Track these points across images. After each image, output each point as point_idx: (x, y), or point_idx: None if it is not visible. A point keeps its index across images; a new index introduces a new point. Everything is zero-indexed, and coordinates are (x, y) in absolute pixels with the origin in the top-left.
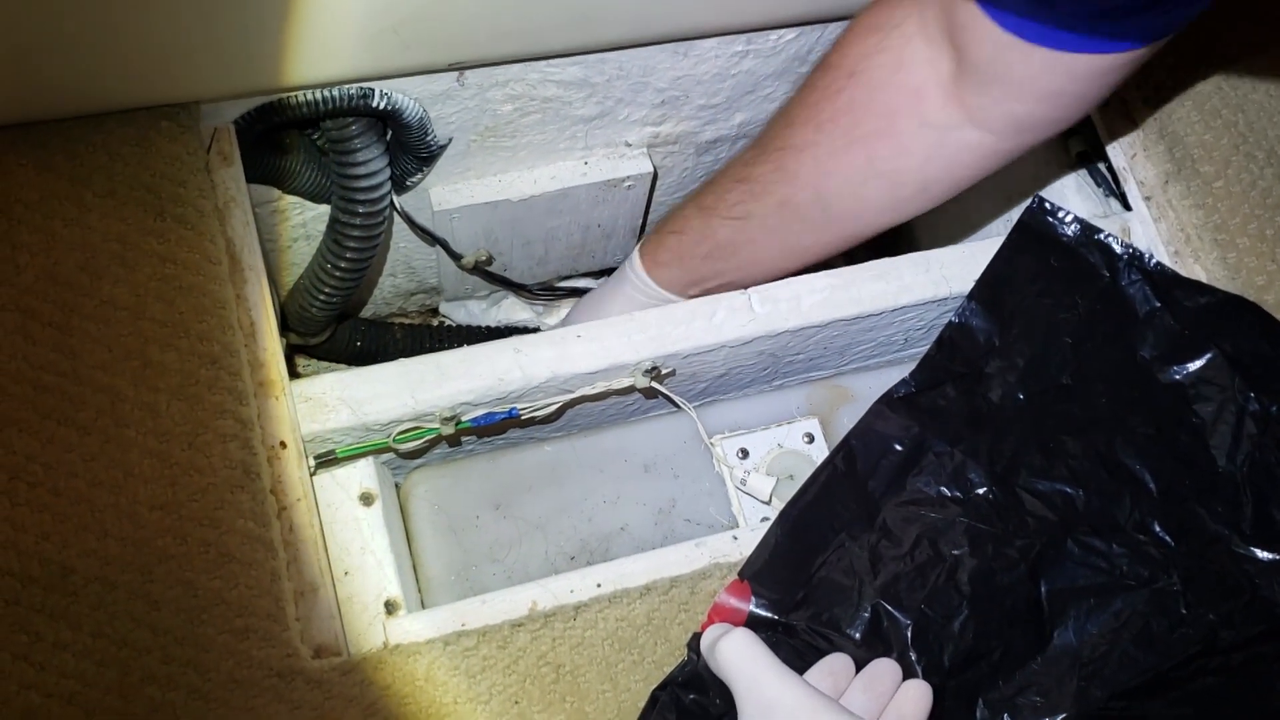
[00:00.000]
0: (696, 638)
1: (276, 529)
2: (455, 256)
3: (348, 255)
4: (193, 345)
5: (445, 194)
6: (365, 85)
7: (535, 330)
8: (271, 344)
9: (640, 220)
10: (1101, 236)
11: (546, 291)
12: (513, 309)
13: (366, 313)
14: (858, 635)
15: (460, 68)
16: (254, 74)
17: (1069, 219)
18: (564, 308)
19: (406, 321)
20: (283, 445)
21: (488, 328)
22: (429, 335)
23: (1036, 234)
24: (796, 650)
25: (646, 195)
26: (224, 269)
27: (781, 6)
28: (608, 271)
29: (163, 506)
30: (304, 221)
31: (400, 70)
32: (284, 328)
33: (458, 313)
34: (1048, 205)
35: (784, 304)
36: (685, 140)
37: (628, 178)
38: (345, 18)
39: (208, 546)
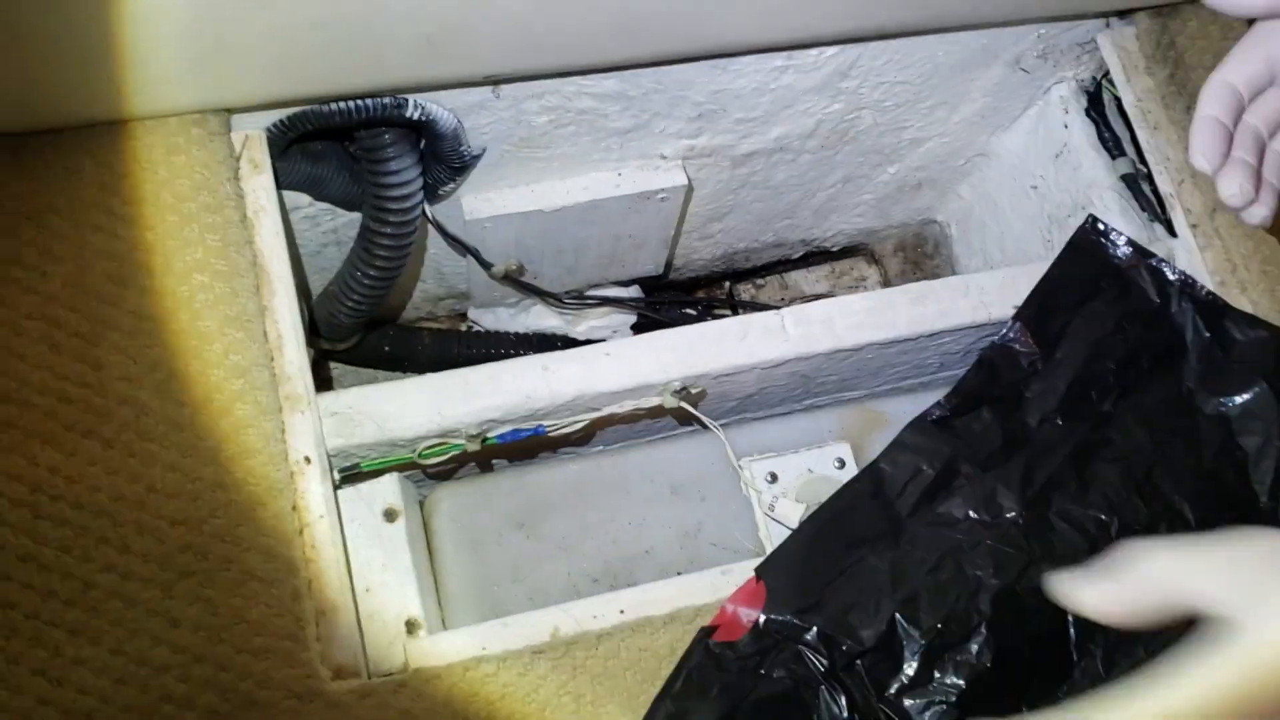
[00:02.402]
0: (706, 632)
1: (298, 547)
2: (485, 265)
3: (377, 263)
4: (219, 358)
5: (477, 203)
6: (399, 95)
7: (564, 337)
8: (299, 357)
9: (672, 231)
10: (1154, 261)
11: (576, 300)
12: (542, 315)
13: (395, 317)
14: (871, 644)
15: (496, 81)
16: (286, 83)
17: (1121, 240)
18: (593, 316)
19: (435, 326)
20: (307, 460)
21: (516, 334)
22: (457, 340)
23: (1087, 254)
24: (796, 672)
25: (680, 207)
26: (252, 280)
27: (823, 24)
28: (638, 281)
29: (185, 522)
30: (335, 228)
31: (434, 82)
32: (313, 333)
33: (486, 318)
34: (1100, 225)
35: (818, 326)
36: (721, 153)
37: (661, 190)
38: (378, 28)
39: (229, 564)
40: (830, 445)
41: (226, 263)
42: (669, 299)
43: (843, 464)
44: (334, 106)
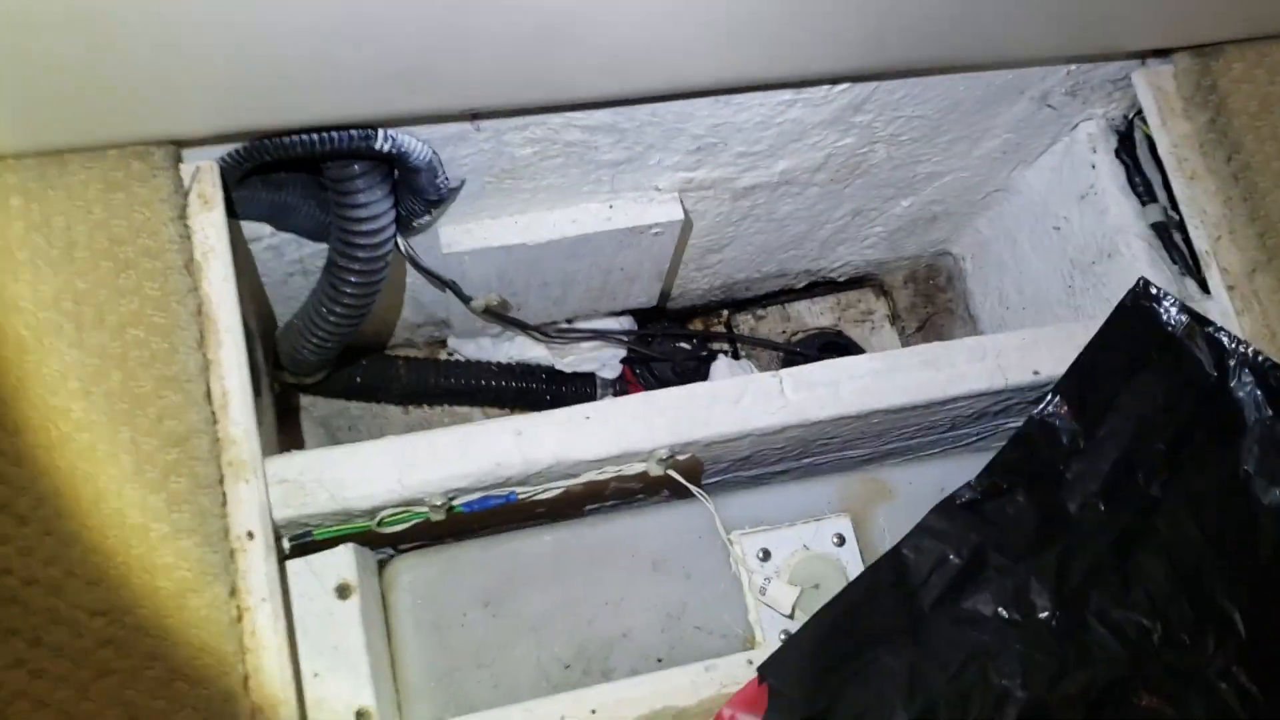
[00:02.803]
0: None
1: (235, 637)
2: (465, 299)
3: (344, 300)
4: (153, 424)
5: (456, 234)
6: (368, 127)
7: (549, 368)
8: (246, 418)
9: (667, 265)
10: (1211, 329)
11: (563, 333)
12: (526, 345)
13: (369, 344)
14: None
15: (476, 115)
16: (241, 115)
17: (1174, 306)
18: (581, 348)
19: (412, 354)
20: (250, 536)
21: (498, 364)
22: (434, 370)
23: (1137, 319)
24: None
25: (676, 241)
26: (195, 333)
27: (836, 62)
28: (630, 313)
29: (106, 613)
30: (300, 258)
31: (407, 116)
32: (276, 365)
33: (467, 347)
34: (1152, 289)
35: (820, 390)
36: (721, 186)
37: (655, 225)
38: (342, 63)
39: (154, 661)
40: (829, 518)
41: (166, 315)
42: (661, 331)
43: (842, 540)
44: (295, 138)
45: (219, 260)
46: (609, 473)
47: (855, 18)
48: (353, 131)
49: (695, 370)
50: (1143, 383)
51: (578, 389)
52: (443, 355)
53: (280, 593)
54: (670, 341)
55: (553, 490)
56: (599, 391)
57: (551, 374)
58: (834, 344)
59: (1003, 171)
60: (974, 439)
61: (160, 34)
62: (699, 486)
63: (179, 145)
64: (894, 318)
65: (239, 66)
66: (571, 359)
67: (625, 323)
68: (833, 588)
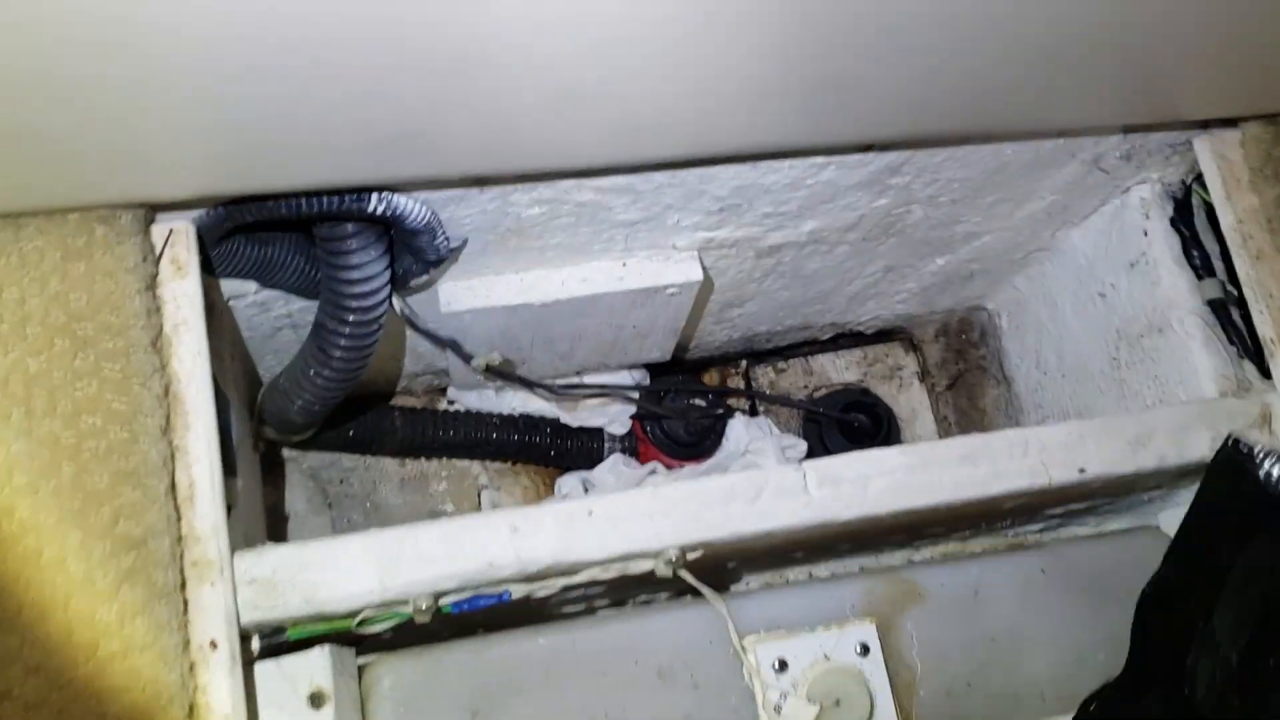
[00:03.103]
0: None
1: None
2: (465, 358)
3: (333, 364)
4: (105, 528)
5: (456, 292)
6: (361, 190)
7: (554, 421)
8: (214, 512)
9: (682, 322)
10: None
11: (570, 388)
12: (531, 396)
13: (363, 391)
14: None
15: (480, 181)
16: (219, 178)
17: (1274, 462)
18: (590, 404)
19: (410, 404)
20: (213, 645)
21: (500, 416)
22: (433, 423)
23: (1234, 481)
24: None
25: (693, 301)
26: (160, 419)
27: (873, 130)
28: (642, 367)
29: None
30: (289, 313)
31: (402, 182)
32: (260, 420)
33: (469, 397)
34: (1243, 446)
35: (846, 487)
36: (744, 245)
37: (671, 285)
38: (329, 126)
39: None
40: (852, 625)
41: (128, 400)
42: (675, 387)
43: (866, 650)
44: (280, 201)
45: (191, 334)
46: (613, 571)
47: (894, 86)
48: (344, 194)
49: (710, 429)
50: (1259, 554)
51: (584, 445)
52: (443, 405)
53: (244, 708)
54: (684, 398)
55: (550, 589)
56: (606, 448)
57: (557, 428)
58: (859, 403)
59: (1046, 232)
60: (1011, 534)
61: (127, 91)
62: (712, 586)
63: (151, 208)
64: (923, 374)
65: (217, 129)
66: (579, 413)
67: (637, 375)
68: (855, 705)
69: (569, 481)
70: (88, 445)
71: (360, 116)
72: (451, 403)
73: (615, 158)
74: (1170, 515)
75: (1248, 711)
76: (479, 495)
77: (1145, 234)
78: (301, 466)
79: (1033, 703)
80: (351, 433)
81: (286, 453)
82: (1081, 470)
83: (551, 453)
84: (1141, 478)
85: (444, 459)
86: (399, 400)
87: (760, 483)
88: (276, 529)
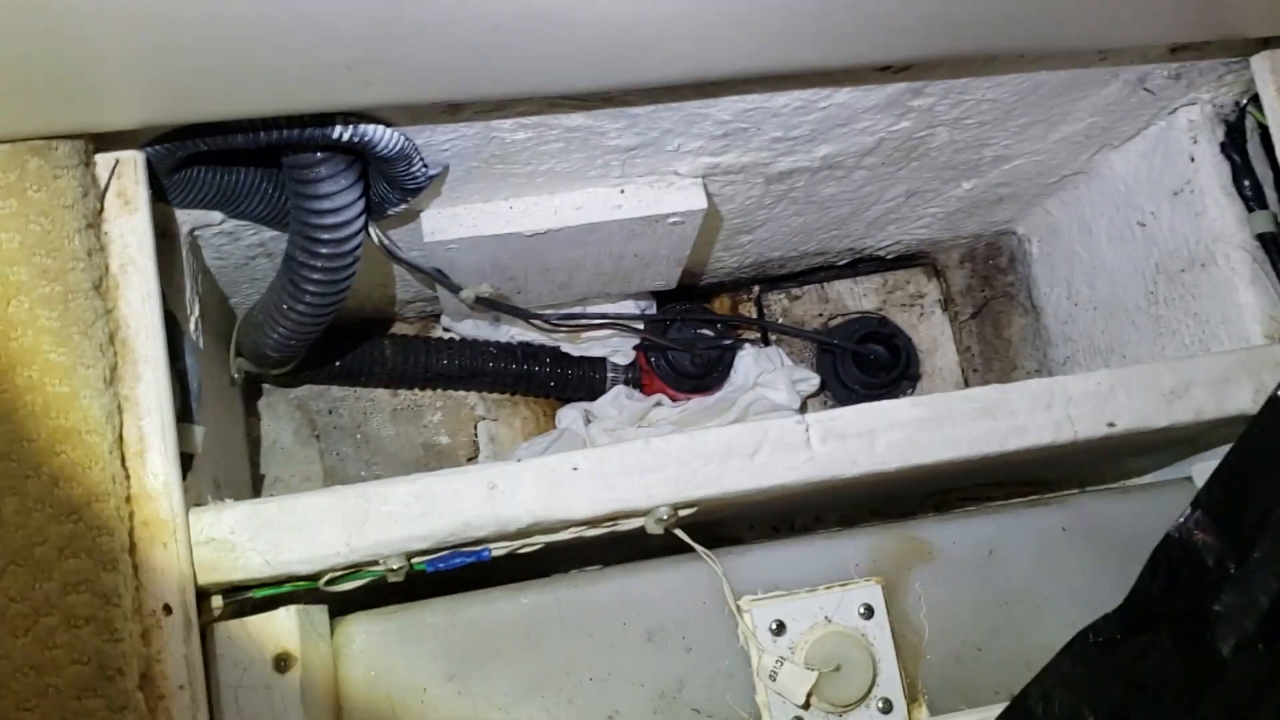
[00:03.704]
0: None
1: None
2: (453, 289)
3: (306, 299)
4: (43, 490)
5: (440, 221)
6: (325, 115)
7: (555, 350)
8: (165, 468)
9: (686, 251)
10: None
11: (568, 320)
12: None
13: (351, 319)
14: None
15: (454, 106)
16: (169, 104)
17: None
18: (592, 334)
19: (402, 332)
20: (166, 610)
21: (497, 344)
22: (425, 351)
23: None
24: None
25: (697, 230)
26: (104, 368)
27: (887, 49)
28: (648, 295)
29: None
30: (261, 241)
31: (363, 107)
32: (237, 353)
33: (464, 325)
34: None
35: (852, 442)
36: (753, 170)
37: (673, 214)
38: (278, 47)
39: None
40: (856, 585)
41: (66, 351)
42: (681, 315)
43: (870, 612)
44: (236, 132)
45: (140, 275)
46: (600, 530)
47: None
48: (306, 121)
49: (718, 360)
50: None
51: (586, 375)
52: (436, 332)
53: (202, 675)
54: (691, 327)
55: (532, 546)
56: (609, 379)
57: (557, 357)
58: (876, 334)
59: (1083, 155)
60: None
61: (57, 4)
62: (706, 541)
63: (93, 137)
64: (946, 302)
65: (160, 50)
66: (581, 342)
67: (643, 303)
68: (857, 671)
69: (569, 414)
70: (22, 402)
71: (307, 37)
72: (446, 330)
73: (597, 83)
74: (1204, 467)
75: (1275, 661)
76: (475, 427)
77: (1192, 160)
78: (288, 396)
79: None
80: (338, 363)
81: (271, 383)
82: (1110, 425)
83: (551, 383)
84: (1175, 431)
85: (439, 389)
86: (391, 328)
87: (759, 436)
88: (259, 464)
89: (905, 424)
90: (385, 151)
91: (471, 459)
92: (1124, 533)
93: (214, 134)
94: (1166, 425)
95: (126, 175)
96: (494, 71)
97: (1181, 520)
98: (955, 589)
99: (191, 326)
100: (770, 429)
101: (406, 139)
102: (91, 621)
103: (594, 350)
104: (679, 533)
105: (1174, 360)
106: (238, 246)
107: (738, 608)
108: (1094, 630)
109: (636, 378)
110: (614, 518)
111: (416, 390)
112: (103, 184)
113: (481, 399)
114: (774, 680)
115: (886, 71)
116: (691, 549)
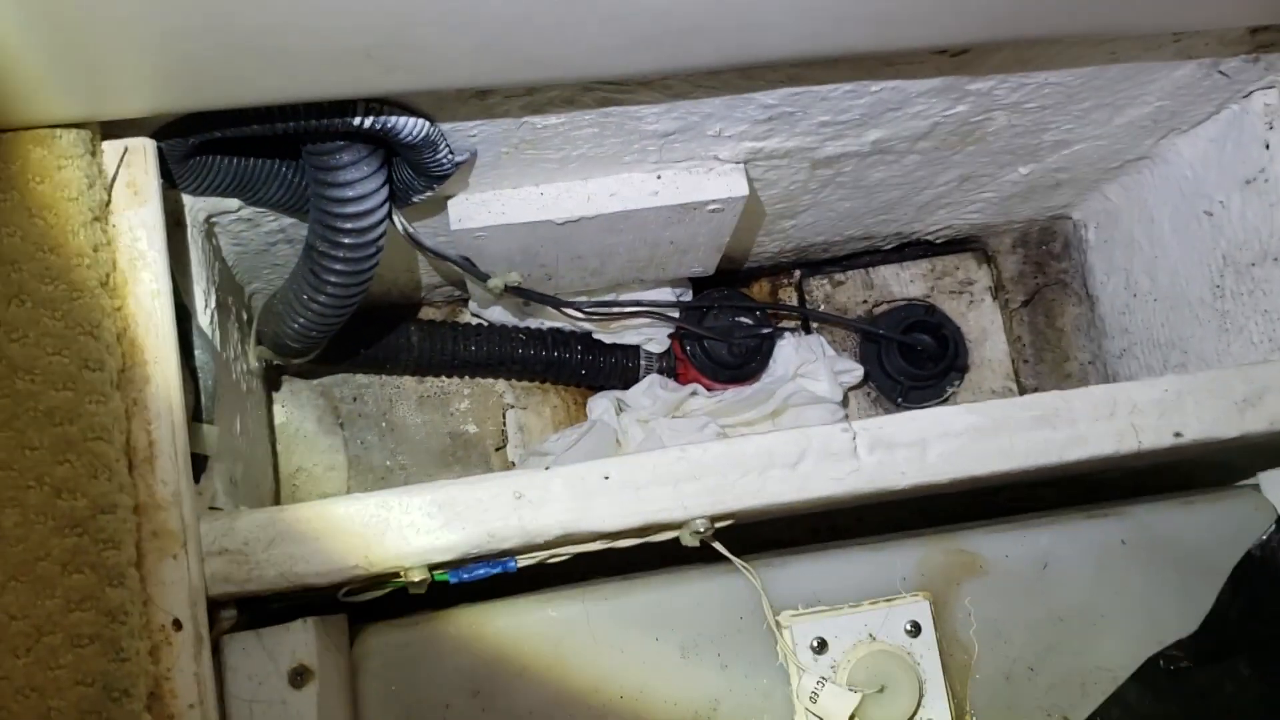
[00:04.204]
0: None
1: None
2: (481, 277)
3: (328, 289)
4: (45, 503)
5: (468, 209)
6: (345, 102)
7: (586, 336)
8: (175, 475)
9: (726, 238)
10: None
11: (601, 308)
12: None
13: (377, 303)
14: None
15: (481, 92)
16: (179, 92)
17: None
18: (625, 321)
19: (429, 316)
20: (176, 626)
21: (527, 330)
22: (453, 338)
23: None
24: None
25: (738, 216)
26: (111, 371)
27: (942, 31)
28: (685, 281)
29: None
30: (281, 227)
31: (386, 93)
32: (258, 341)
33: (492, 311)
34: None
35: (902, 452)
36: (798, 155)
37: (713, 201)
38: (292, 40)
39: None
40: (902, 600)
41: (70, 354)
42: (719, 302)
43: (917, 630)
44: (253, 120)
45: (149, 270)
46: (631, 540)
47: None
48: (326, 108)
49: (756, 349)
50: None
51: (619, 363)
52: (464, 317)
53: (214, 693)
54: (729, 314)
55: (561, 556)
56: (643, 367)
57: (589, 344)
58: (923, 323)
59: (1148, 140)
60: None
61: None
62: (743, 551)
63: (100, 125)
64: (997, 289)
65: (170, 36)
66: (614, 328)
67: (679, 289)
68: (902, 692)
69: (601, 403)
70: (24, 409)
71: (328, 21)
72: (475, 316)
73: (634, 67)
74: (1274, 476)
75: None
76: (504, 415)
77: (1267, 147)
78: (311, 384)
79: (1102, 690)
80: (363, 350)
81: (293, 371)
82: (1178, 435)
83: (583, 371)
84: (1247, 440)
85: (466, 376)
86: (418, 312)
87: (803, 444)
88: (282, 454)
89: (959, 433)
90: (409, 139)
91: (499, 449)
92: (1188, 546)
93: (229, 122)
94: (1238, 435)
95: (136, 164)
96: (524, 56)
97: (1264, 538)
98: (1007, 604)
99: (206, 320)
100: (814, 436)
101: (432, 125)
102: (96, 640)
103: (627, 337)
104: (717, 545)
105: (1246, 366)
106: (257, 233)
107: (777, 623)
108: (1165, 656)
109: (671, 366)
110: (647, 530)
111: (443, 377)
112: (110, 174)
113: (510, 386)
114: (814, 702)
115: (944, 54)
116: (732, 563)
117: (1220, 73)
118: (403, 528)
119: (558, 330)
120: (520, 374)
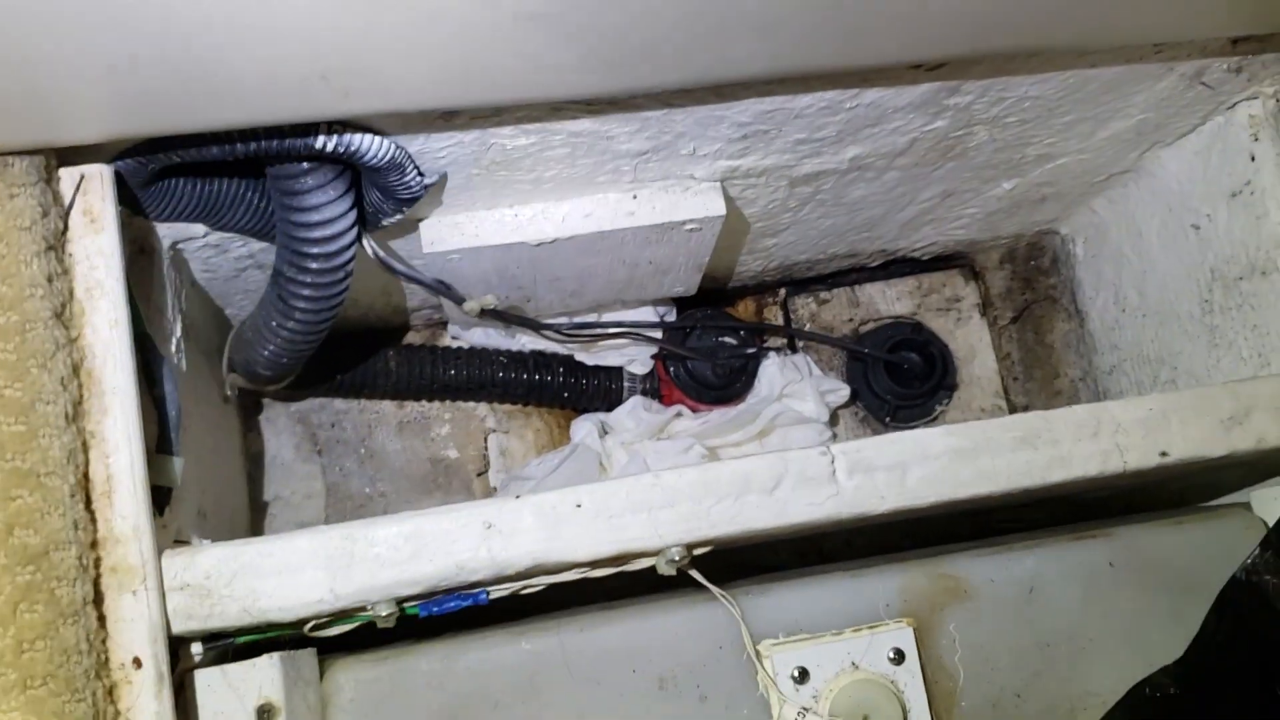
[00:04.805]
0: None
1: None
2: (457, 300)
3: (296, 316)
4: None
5: (440, 231)
6: (307, 124)
7: (568, 359)
8: (135, 509)
9: (706, 258)
10: None
11: (581, 330)
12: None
13: (353, 327)
14: None
15: (448, 114)
16: (135, 119)
17: None
18: (607, 342)
19: (409, 340)
20: (136, 664)
21: (508, 353)
22: (431, 362)
23: None
24: None
25: (717, 236)
26: (62, 407)
27: (917, 47)
28: (666, 301)
29: None
30: (251, 252)
31: (345, 116)
32: (229, 368)
33: (473, 333)
34: None
35: (881, 476)
36: (775, 174)
37: (690, 220)
38: (243, 66)
39: None
40: (885, 627)
41: (23, 386)
42: (702, 322)
43: (901, 657)
44: (211, 145)
45: (108, 299)
46: (606, 570)
47: None
48: (286, 130)
49: (741, 369)
50: None
51: (602, 384)
52: (445, 340)
53: None
54: (712, 335)
55: (534, 588)
56: (626, 389)
57: (571, 366)
58: (910, 341)
59: (1133, 153)
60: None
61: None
62: (721, 579)
63: (55, 152)
64: (985, 306)
65: (123, 61)
66: (597, 350)
67: (662, 309)
68: None
69: (584, 426)
70: None
71: (275, 47)
72: (454, 338)
73: (601, 87)
74: (1265, 494)
75: None
76: (485, 440)
77: (1252, 159)
78: (288, 410)
79: (1091, 718)
80: (339, 376)
81: (270, 397)
82: (1164, 454)
83: (565, 393)
84: (1234, 459)
85: (447, 400)
86: (399, 336)
87: (780, 469)
88: (259, 482)
89: (938, 455)
90: (375, 161)
91: (481, 474)
92: (1177, 568)
93: (187, 146)
94: (1225, 454)
95: (93, 191)
96: (485, 78)
97: (1249, 562)
98: (993, 630)
99: (172, 348)
100: (792, 461)
101: (398, 147)
102: (50, 679)
103: (610, 359)
104: (694, 573)
105: (1233, 383)
106: (226, 259)
107: (757, 653)
108: (1150, 684)
109: (655, 388)
110: (622, 559)
111: (423, 402)
112: (66, 201)
113: (492, 410)
114: None
115: (918, 70)
116: (710, 591)
117: (1203, 84)
118: (369, 560)
119: (539, 352)
120: (502, 397)
